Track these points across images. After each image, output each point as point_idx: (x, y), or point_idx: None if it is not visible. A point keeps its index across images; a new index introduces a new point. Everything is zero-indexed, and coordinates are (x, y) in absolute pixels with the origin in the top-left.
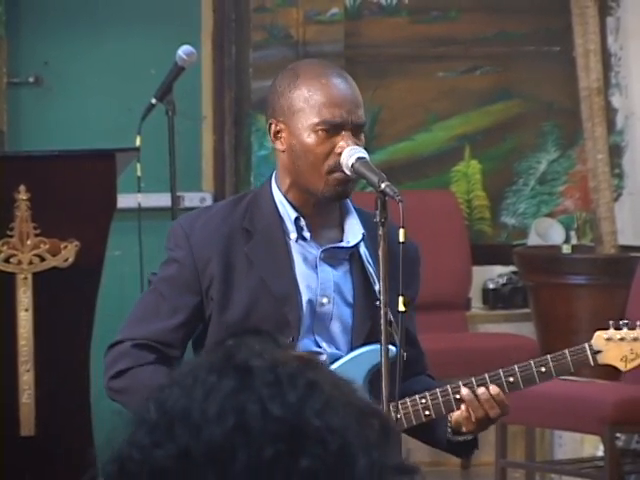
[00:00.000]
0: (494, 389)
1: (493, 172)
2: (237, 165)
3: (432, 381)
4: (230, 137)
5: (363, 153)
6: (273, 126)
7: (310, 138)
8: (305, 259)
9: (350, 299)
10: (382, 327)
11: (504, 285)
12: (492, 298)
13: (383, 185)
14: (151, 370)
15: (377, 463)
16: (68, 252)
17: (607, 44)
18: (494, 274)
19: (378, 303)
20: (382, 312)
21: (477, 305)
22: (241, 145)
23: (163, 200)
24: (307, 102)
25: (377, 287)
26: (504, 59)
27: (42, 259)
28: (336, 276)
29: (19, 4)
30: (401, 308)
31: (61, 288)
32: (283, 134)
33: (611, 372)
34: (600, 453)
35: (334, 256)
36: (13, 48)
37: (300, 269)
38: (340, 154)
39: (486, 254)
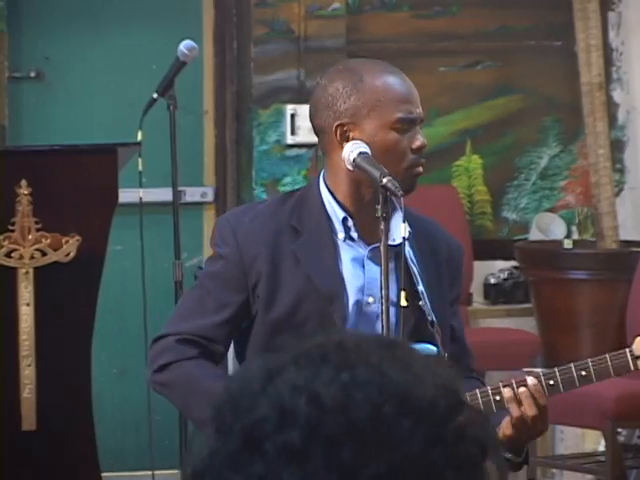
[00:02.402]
0: (532, 380)
1: (494, 167)
2: (238, 160)
3: (480, 385)
4: (231, 132)
5: (365, 148)
6: (339, 129)
7: (390, 135)
8: (353, 259)
9: (394, 298)
10: (384, 323)
11: (505, 280)
12: (493, 293)
13: (385, 180)
14: (194, 364)
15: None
16: (69, 247)
17: (608, 39)
18: (495, 269)
19: (422, 303)
20: (384, 307)
21: (478, 300)
22: (242, 140)
23: (164, 195)
24: (379, 101)
25: (420, 287)
26: (505, 54)
27: (43, 254)
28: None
29: None
30: (403, 303)
31: (62, 283)
32: (352, 134)
33: None
34: (602, 448)
35: (380, 255)
36: (14, 43)
37: (347, 268)
38: (417, 150)
39: (487, 249)
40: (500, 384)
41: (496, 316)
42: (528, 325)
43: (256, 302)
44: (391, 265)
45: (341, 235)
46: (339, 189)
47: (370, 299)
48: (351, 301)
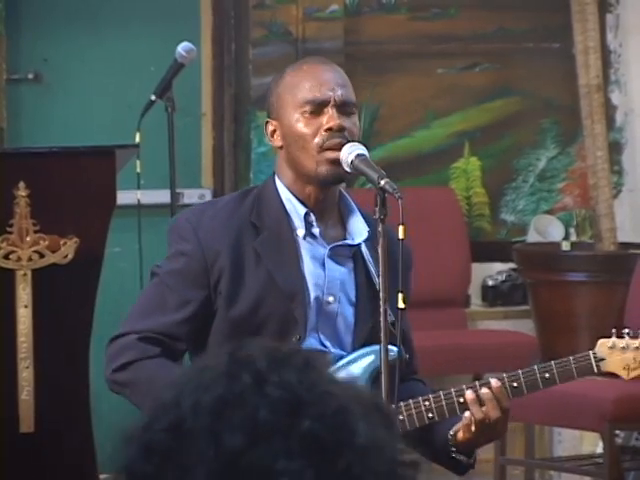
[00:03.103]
0: (495, 382)
1: (492, 169)
2: (236, 162)
3: (424, 387)
4: (229, 134)
5: (362, 150)
6: (269, 126)
7: (298, 122)
8: (313, 257)
9: (353, 298)
10: (382, 325)
11: (503, 282)
12: (491, 295)
13: (382, 182)
14: (156, 363)
15: (379, 436)
16: (67, 249)
17: (606, 41)
18: (493, 271)
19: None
20: (382, 309)
21: (476, 302)
22: (240, 142)
23: (162, 197)
24: (291, 91)
25: (378, 287)
26: (503, 56)
27: (41, 255)
28: (342, 274)
29: (19, 1)
30: (400, 305)
31: (60, 285)
32: (277, 130)
33: None
34: (599, 450)
35: (339, 254)
36: (13, 45)
37: (308, 267)
38: (328, 130)
39: (485, 251)
40: (464, 386)
41: (494, 318)
42: (526, 327)
43: (217, 299)
44: (350, 265)
45: (300, 232)
46: (289, 185)
47: (330, 298)
48: (312, 299)
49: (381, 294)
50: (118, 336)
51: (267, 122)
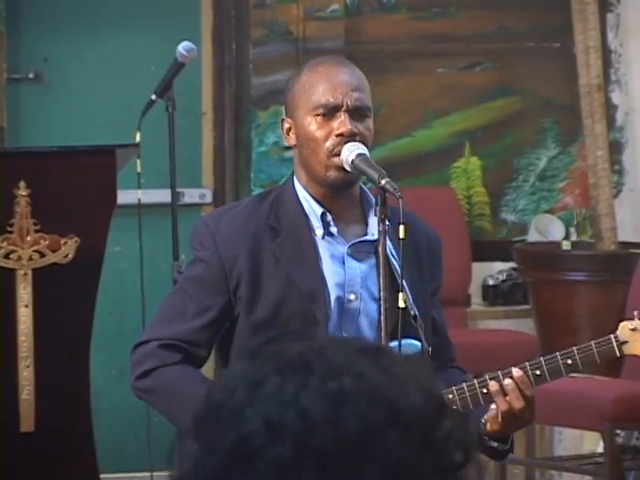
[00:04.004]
0: (517, 372)
1: (493, 168)
2: (237, 161)
3: (463, 375)
4: (230, 133)
5: (363, 149)
6: (285, 123)
7: (310, 124)
8: (332, 255)
9: (376, 294)
10: (382, 324)
11: (504, 281)
12: (492, 294)
13: (383, 181)
14: (178, 370)
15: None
16: (68, 248)
17: (607, 41)
18: (494, 270)
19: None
20: (382, 309)
21: (477, 301)
22: (241, 141)
23: (163, 196)
24: (305, 91)
25: (401, 281)
26: (504, 55)
27: (42, 255)
28: (363, 271)
29: (19, 0)
30: (401, 304)
31: (61, 284)
32: (292, 129)
33: (611, 368)
34: (600, 449)
35: (360, 250)
36: (13, 44)
37: (327, 266)
38: (339, 136)
39: (486, 250)
40: (487, 376)
41: (494, 317)
42: (526, 327)
43: (238, 304)
44: (371, 261)
45: (319, 232)
46: (305, 185)
47: (352, 296)
48: (332, 298)
49: (381, 293)
50: (141, 343)
51: (283, 120)
